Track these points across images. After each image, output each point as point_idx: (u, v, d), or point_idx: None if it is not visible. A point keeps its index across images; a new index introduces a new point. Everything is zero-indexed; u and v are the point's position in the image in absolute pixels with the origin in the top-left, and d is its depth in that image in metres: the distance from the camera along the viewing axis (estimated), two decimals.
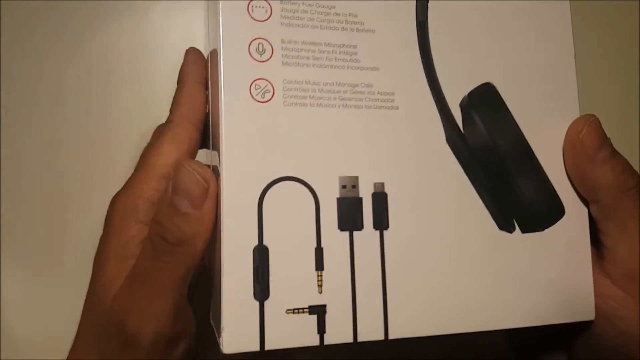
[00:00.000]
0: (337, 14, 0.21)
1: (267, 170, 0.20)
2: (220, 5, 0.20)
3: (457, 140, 0.22)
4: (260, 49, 0.20)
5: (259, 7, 0.21)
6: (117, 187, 0.22)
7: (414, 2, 0.22)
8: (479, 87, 0.23)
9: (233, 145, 0.20)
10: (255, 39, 0.20)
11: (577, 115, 0.24)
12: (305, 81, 0.21)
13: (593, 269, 0.23)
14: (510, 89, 0.23)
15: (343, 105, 0.21)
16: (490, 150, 0.22)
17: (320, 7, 0.21)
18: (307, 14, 0.21)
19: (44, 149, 0.33)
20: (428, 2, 0.22)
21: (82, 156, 0.33)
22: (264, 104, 0.20)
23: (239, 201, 0.19)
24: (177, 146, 0.21)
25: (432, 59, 0.22)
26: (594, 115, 0.23)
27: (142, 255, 0.21)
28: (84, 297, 0.22)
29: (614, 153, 0.23)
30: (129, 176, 0.22)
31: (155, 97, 0.32)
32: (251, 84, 0.20)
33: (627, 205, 0.23)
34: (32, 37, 0.34)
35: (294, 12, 0.21)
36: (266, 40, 0.20)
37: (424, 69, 0.22)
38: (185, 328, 0.21)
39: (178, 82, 0.23)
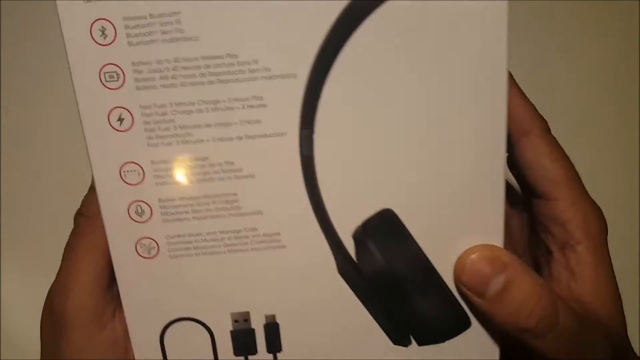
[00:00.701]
0: (212, 165, 0.21)
1: (164, 313, 0.22)
2: (95, 176, 0.21)
3: (349, 270, 0.22)
4: (139, 211, 0.21)
5: (132, 170, 0.21)
6: None
7: (296, 136, 0.20)
8: (375, 214, 0.21)
9: (130, 294, 0.22)
10: (133, 202, 0.21)
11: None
12: (188, 234, 0.21)
13: None
14: (412, 210, 0.21)
15: (228, 250, 0.22)
16: (386, 275, 0.22)
17: (195, 162, 0.20)
18: (180, 170, 0.21)
19: (44, 149, 0.34)
20: (313, 134, 0.20)
21: (82, 156, 0.35)
22: (151, 259, 0.22)
23: (144, 340, 0.23)
24: None
25: (320, 195, 0.21)
26: (487, 246, 0.21)
27: (68, 241, 0.24)
28: None
29: (505, 288, 0.20)
30: None
31: None
32: (136, 243, 0.22)
33: (530, 345, 0.21)
34: (32, 37, 0.34)
35: (166, 170, 0.21)
36: (144, 202, 0.21)
37: (312, 204, 0.21)
38: (112, 306, 0.23)
39: None
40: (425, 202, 0.21)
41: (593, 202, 0.22)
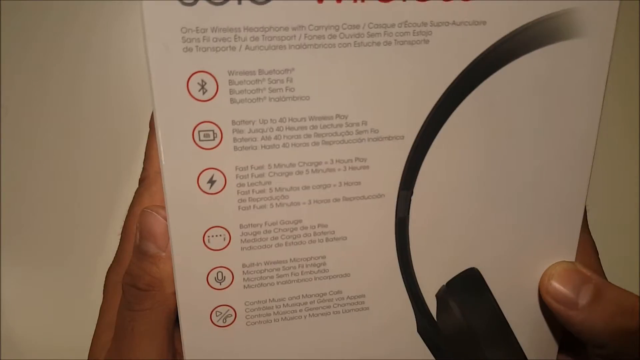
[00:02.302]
0: (305, 227, 0.19)
1: None
2: (173, 240, 0.18)
3: (427, 327, 0.22)
4: (220, 277, 0.19)
5: (217, 235, 0.19)
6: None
7: (395, 197, 0.19)
8: (460, 273, 0.21)
9: None
10: (214, 269, 0.19)
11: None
12: (269, 299, 0.20)
13: None
14: (497, 269, 0.21)
15: (310, 315, 0.20)
16: (462, 333, 0.22)
17: (285, 224, 0.19)
18: (270, 234, 0.19)
19: (44, 148, 0.33)
20: (412, 195, 0.20)
21: (82, 156, 0.33)
22: (226, 328, 0.20)
23: None
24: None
25: (410, 256, 0.20)
26: (569, 262, 0.22)
27: (119, 311, 0.22)
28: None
29: (597, 294, 0.21)
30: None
31: None
32: (212, 312, 0.19)
33: (629, 350, 0.21)
34: (32, 37, 0.32)
35: (255, 234, 0.19)
36: (226, 268, 0.19)
37: (400, 267, 0.20)
38: None
39: (150, 127, 0.21)
40: (508, 255, 0.21)
41: (589, 233, 0.23)
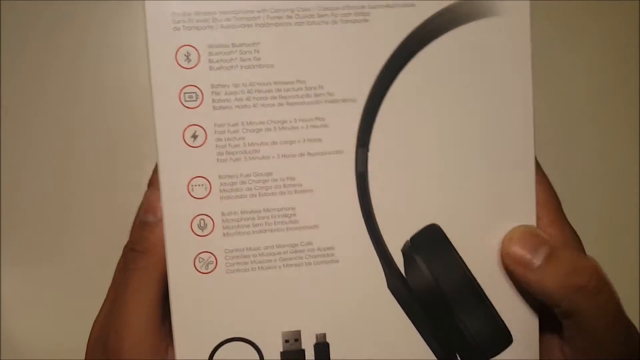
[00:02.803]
0: (275, 180, 0.22)
1: (215, 333, 0.22)
2: (162, 190, 0.22)
3: (397, 284, 0.23)
4: (202, 225, 0.22)
5: (199, 185, 0.22)
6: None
7: (353, 154, 0.23)
8: (422, 230, 0.23)
9: (182, 313, 0.22)
10: (197, 216, 0.22)
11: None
12: (246, 248, 0.22)
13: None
14: (456, 222, 0.23)
15: (284, 265, 0.23)
16: (433, 291, 0.23)
17: (258, 176, 0.22)
18: (245, 185, 0.22)
19: (44, 149, 0.34)
20: (368, 152, 0.23)
21: (82, 156, 0.34)
22: (208, 274, 0.22)
23: None
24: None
25: (372, 210, 0.23)
26: (524, 225, 0.23)
27: (116, 274, 0.23)
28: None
29: (552, 255, 0.22)
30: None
31: None
32: (195, 258, 0.22)
33: (581, 307, 0.22)
34: (32, 37, 0.34)
35: (232, 185, 0.22)
36: (207, 215, 0.22)
37: (364, 220, 0.23)
38: (165, 342, 0.23)
39: None
40: (468, 213, 0.23)
41: (569, 223, 0.25)
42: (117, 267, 0.24)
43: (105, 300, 0.25)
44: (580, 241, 0.25)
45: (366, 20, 0.22)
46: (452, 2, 0.22)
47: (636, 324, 0.33)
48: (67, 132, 0.34)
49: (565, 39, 0.39)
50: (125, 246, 0.24)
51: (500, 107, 0.23)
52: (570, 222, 0.24)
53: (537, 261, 0.22)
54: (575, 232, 0.25)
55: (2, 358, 0.33)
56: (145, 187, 0.24)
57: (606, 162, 0.38)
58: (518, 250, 0.23)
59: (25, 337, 0.33)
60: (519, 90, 0.23)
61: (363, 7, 0.22)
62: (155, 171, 0.24)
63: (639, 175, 0.37)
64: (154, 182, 0.24)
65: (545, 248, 0.22)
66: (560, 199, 0.24)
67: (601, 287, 0.22)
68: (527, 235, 0.23)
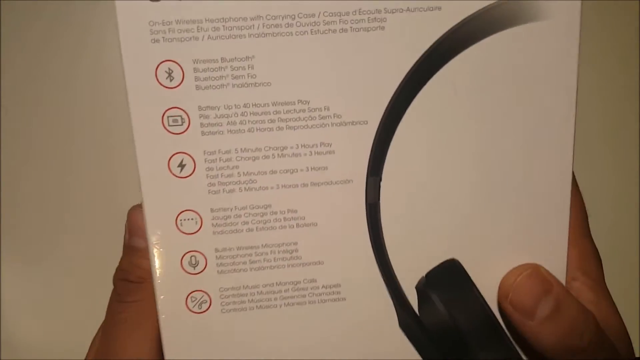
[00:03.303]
0: (274, 213, 0.20)
1: None
2: (147, 225, 0.19)
3: (411, 323, 0.21)
4: (194, 262, 0.20)
5: (189, 219, 0.19)
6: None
7: (363, 183, 0.20)
8: (439, 265, 0.21)
9: (175, 355, 0.21)
10: (187, 253, 0.20)
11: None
12: (243, 286, 0.20)
13: None
14: (477, 259, 0.21)
15: (285, 304, 0.21)
16: (450, 331, 0.21)
17: (257, 209, 0.20)
18: (240, 218, 0.20)
19: (44, 149, 0.34)
20: (381, 181, 0.20)
21: (82, 156, 0.34)
22: (201, 314, 0.20)
23: None
24: None
25: (384, 244, 0.20)
26: (533, 265, 0.20)
27: (109, 305, 0.22)
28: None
29: (556, 309, 0.20)
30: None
31: None
32: (187, 297, 0.20)
33: None
34: (32, 37, 0.34)
35: (225, 219, 0.20)
36: (199, 252, 0.20)
37: (375, 254, 0.20)
38: None
39: None
40: (490, 249, 0.21)
41: (592, 242, 0.22)
42: (111, 297, 0.22)
43: (99, 332, 0.23)
44: (599, 261, 0.22)
45: (382, 28, 0.18)
46: (488, 2, 0.19)
47: (636, 323, 0.31)
48: (66, 132, 0.33)
49: None
50: (116, 274, 0.22)
51: (536, 131, 0.20)
52: None
53: (541, 313, 0.20)
54: (596, 251, 0.22)
55: (2, 358, 0.33)
56: None
57: (606, 162, 0.37)
58: (521, 295, 0.20)
59: (25, 337, 0.33)
60: (560, 113, 0.20)
61: (379, 11, 0.18)
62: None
63: (639, 176, 0.36)
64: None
65: (551, 298, 0.20)
66: None
67: (599, 349, 0.20)
68: (534, 279, 0.20)
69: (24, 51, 0.33)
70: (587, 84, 0.36)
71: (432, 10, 0.18)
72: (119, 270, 0.22)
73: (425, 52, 0.19)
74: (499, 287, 0.21)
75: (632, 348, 0.22)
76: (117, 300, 0.21)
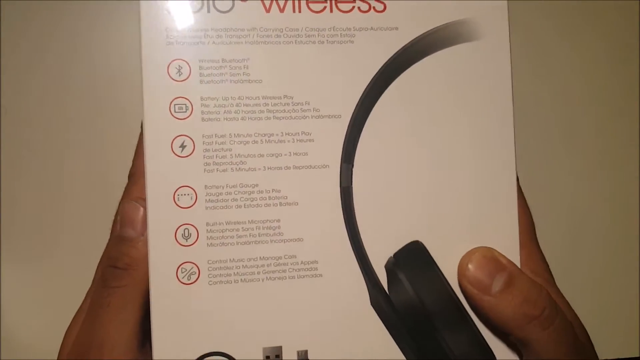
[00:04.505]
0: (261, 191, 0.23)
1: (194, 347, 0.22)
2: (148, 198, 0.22)
3: (380, 301, 0.23)
4: (187, 234, 0.22)
5: (185, 194, 0.22)
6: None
7: (338, 168, 0.23)
8: (405, 246, 0.23)
9: (162, 324, 0.22)
10: (181, 225, 0.22)
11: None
12: (230, 259, 0.22)
13: None
14: (439, 239, 0.23)
15: (267, 278, 0.23)
16: (415, 309, 0.23)
17: (244, 187, 0.23)
18: (230, 195, 0.23)
19: (44, 149, 0.34)
20: (353, 167, 0.23)
21: (82, 156, 0.34)
22: (190, 285, 0.22)
23: None
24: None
25: (356, 225, 0.23)
26: (487, 247, 0.23)
27: (95, 290, 0.23)
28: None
29: (509, 282, 0.22)
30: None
31: None
32: (178, 268, 0.22)
33: (535, 337, 0.22)
34: (32, 37, 0.35)
35: (217, 195, 0.22)
36: (192, 225, 0.22)
37: (348, 235, 0.23)
38: None
39: (141, 127, 0.23)
40: (451, 231, 0.23)
41: (539, 249, 0.25)
42: (93, 282, 0.24)
43: (78, 312, 0.24)
44: (547, 264, 0.25)
45: (351, 42, 0.23)
46: (436, 25, 0.24)
47: (636, 323, 0.32)
48: (66, 131, 0.34)
49: (565, 38, 0.39)
50: (101, 262, 0.23)
51: (481, 128, 0.24)
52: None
53: (496, 287, 0.22)
54: (544, 259, 0.25)
55: (2, 358, 0.32)
56: None
57: (606, 162, 0.37)
58: (477, 273, 0.23)
59: (25, 337, 0.32)
60: (500, 113, 0.24)
61: (349, 29, 0.23)
62: (131, 182, 0.24)
63: (639, 176, 0.37)
64: (130, 194, 0.24)
65: (504, 274, 0.22)
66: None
67: (553, 317, 0.22)
68: (488, 258, 0.23)
69: (25, 51, 0.34)
70: (587, 84, 0.37)
71: (392, 29, 0.23)
72: (105, 257, 0.23)
73: (386, 62, 0.23)
74: (458, 267, 0.23)
75: (587, 333, 0.24)
76: (102, 285, 0.23)
